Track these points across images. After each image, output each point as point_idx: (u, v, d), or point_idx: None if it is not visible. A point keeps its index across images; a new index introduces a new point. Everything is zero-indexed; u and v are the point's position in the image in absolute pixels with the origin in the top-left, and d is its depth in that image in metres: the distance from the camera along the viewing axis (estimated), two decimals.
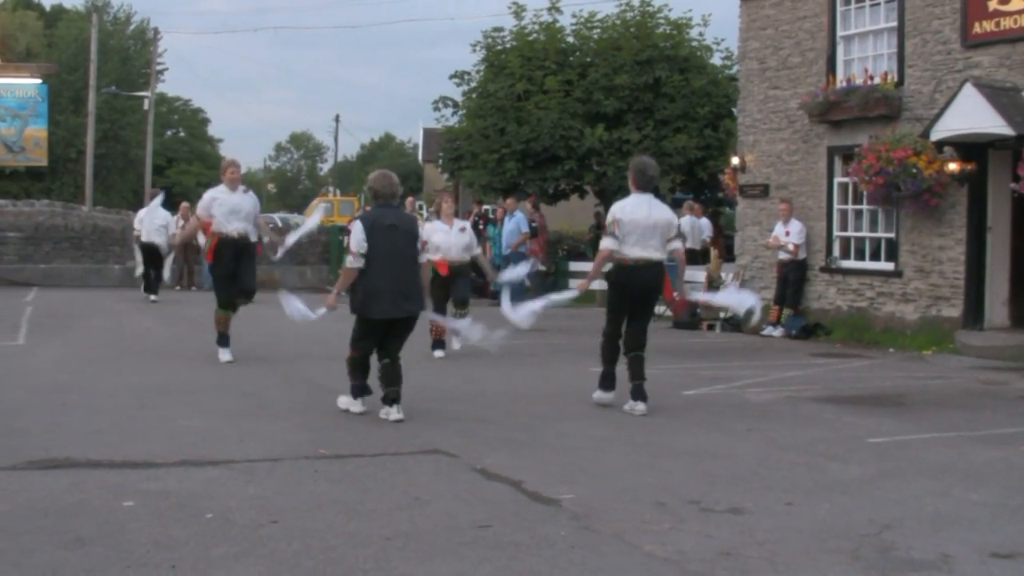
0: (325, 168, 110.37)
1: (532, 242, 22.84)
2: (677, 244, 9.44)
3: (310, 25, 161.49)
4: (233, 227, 11.54)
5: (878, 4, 16.17)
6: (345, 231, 17.56)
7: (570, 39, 25.36)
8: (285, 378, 10.51)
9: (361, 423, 8.42)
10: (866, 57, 16.39)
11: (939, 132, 14.25)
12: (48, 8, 59.99)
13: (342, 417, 8.57)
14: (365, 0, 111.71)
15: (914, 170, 14.49)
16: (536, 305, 9.44)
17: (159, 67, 51.89)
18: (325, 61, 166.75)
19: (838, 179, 16.74)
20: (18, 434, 7.60)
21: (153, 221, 20.90)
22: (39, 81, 28.78)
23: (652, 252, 9.18)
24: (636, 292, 9.28)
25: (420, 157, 60.86)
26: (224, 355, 11.78)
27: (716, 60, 25.63)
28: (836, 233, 16.79)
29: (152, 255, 20.69)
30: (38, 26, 54.99)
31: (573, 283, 16.88)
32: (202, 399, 9.38)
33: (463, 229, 12.91)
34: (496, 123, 24.15)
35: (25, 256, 24.25)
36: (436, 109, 27.62)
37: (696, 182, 24.62)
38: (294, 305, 9.05)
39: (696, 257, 20.67)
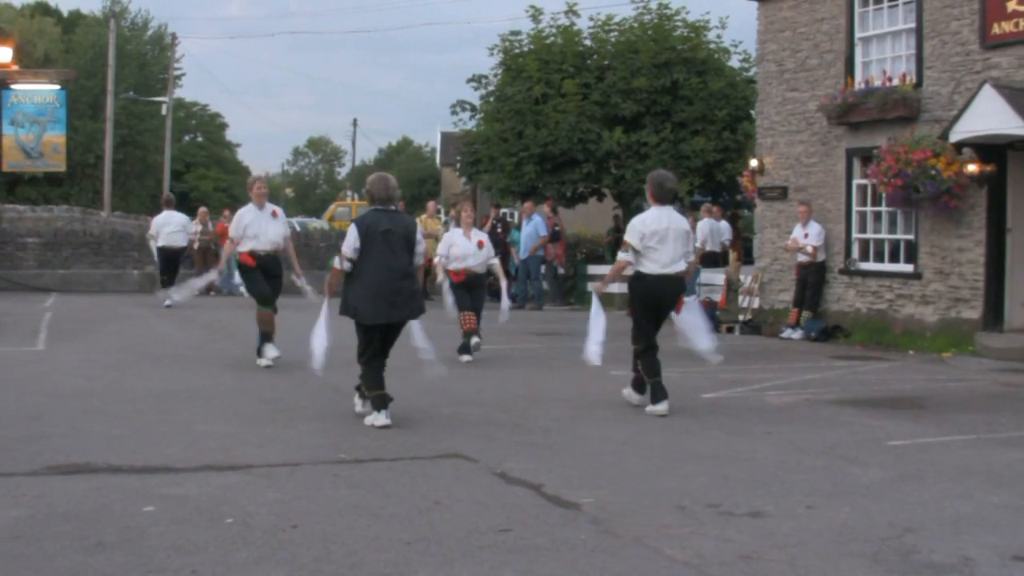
0: (343, 172, 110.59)
1: (556, 245, 22.88)
2: (691, 255, 9.80)
3: (328, 30, 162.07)
4: (262, 247, 11.76)
5: (896, 5, 16.11)
6: None
7: (587, 42, 25.38)
8: (304, 383, 10.52)
9: (380, 427, 8.42)
10: (884, 59, 16.32)
11: (958, 134, 14.19)
12: (66, 14, 60.29)
13: (361, 422, 8.58)
14: (383, 5, 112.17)
15: (933, 172, 14.42)
16: (597, 337, 9.54)
17: (177, 72, 52.17)
18: (343, 65, 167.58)
19: (857, 181, 16.67)
20: (38, 439, 7.63)
21: (168, 225, 20.95)
22: (57, 87, 28.85)
23: (673, 265, 9.39)
24: (657, 303, 9.51)
25: (438, 161, 60.89)
26: (271, 351, 11.68)
27: (734, 62, 25.66)
28: (855, 235, 16.72)
29: (169, 260, 20.76)
30: (56, 32, 55.23)
31: (590, 286, 16.85)
32: (221, 404, 9.40)
33: (481, 244, 12.80)
34: (514, 126, 24.16)
35: (44, 261, 24.41)
36: (454, 113, 27.73)
37: (714, 185, 24.62)
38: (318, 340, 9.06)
39: (716, 260, 20.66)
